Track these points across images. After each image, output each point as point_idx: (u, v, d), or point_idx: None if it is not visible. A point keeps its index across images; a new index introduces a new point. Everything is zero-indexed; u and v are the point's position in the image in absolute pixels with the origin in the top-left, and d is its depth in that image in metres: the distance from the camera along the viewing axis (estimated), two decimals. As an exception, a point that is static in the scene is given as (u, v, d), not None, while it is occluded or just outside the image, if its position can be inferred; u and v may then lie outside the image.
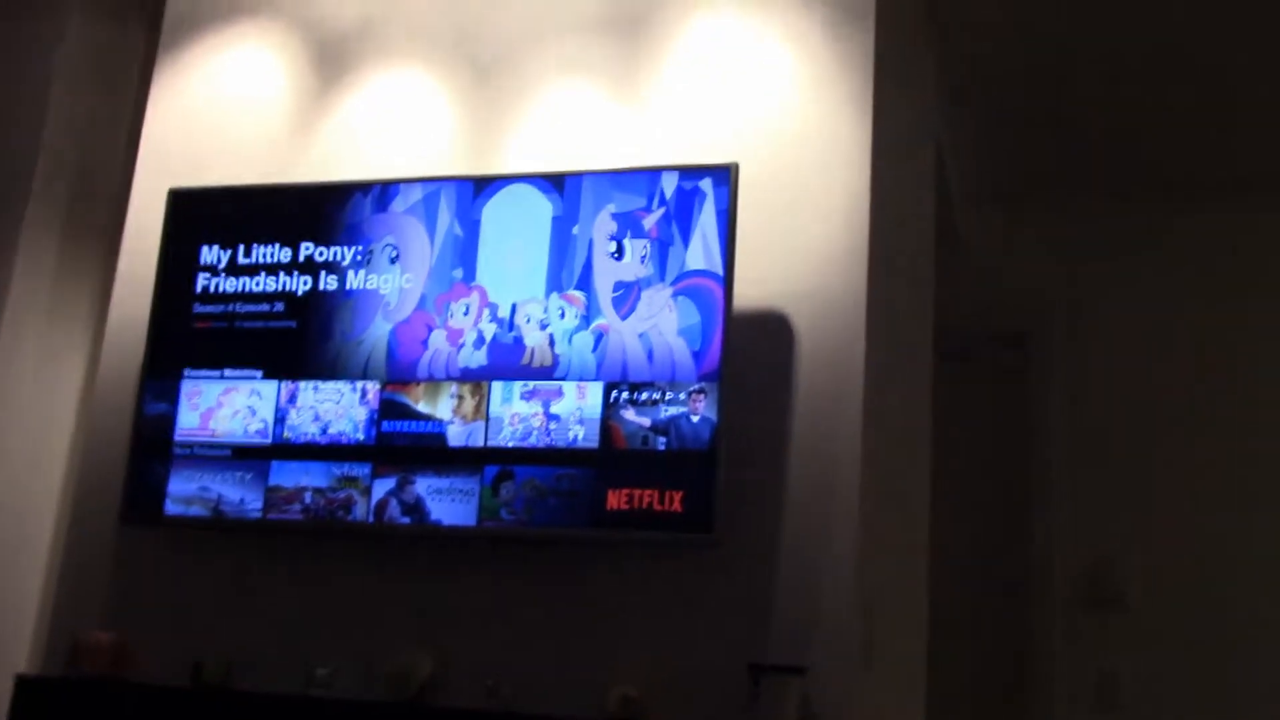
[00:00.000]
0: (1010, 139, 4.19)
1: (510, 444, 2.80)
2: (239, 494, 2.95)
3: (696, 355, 2.73)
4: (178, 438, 3.03)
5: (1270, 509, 4.02)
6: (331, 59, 3.38)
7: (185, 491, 2.99)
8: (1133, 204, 4.37)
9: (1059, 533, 4.14)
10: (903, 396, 2.72)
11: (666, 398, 2.73)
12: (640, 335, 2.78)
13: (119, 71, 3.74)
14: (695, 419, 2.70)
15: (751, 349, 2.82)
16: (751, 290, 2.86)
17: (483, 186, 2.97)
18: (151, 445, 3.04)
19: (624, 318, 2.80)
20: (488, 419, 2.83)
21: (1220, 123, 3.99)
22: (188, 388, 3.05)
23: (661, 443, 2.71)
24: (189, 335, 3.10)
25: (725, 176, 2.80)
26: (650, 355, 2.77)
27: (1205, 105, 3.90)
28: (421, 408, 2.88)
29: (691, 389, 2.72)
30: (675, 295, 2.77)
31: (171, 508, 2.99)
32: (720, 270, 2.75)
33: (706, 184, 2.81)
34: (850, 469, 2.68)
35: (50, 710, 2.85)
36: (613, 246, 2.85)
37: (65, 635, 3.05)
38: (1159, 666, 3.96)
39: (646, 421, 2.73)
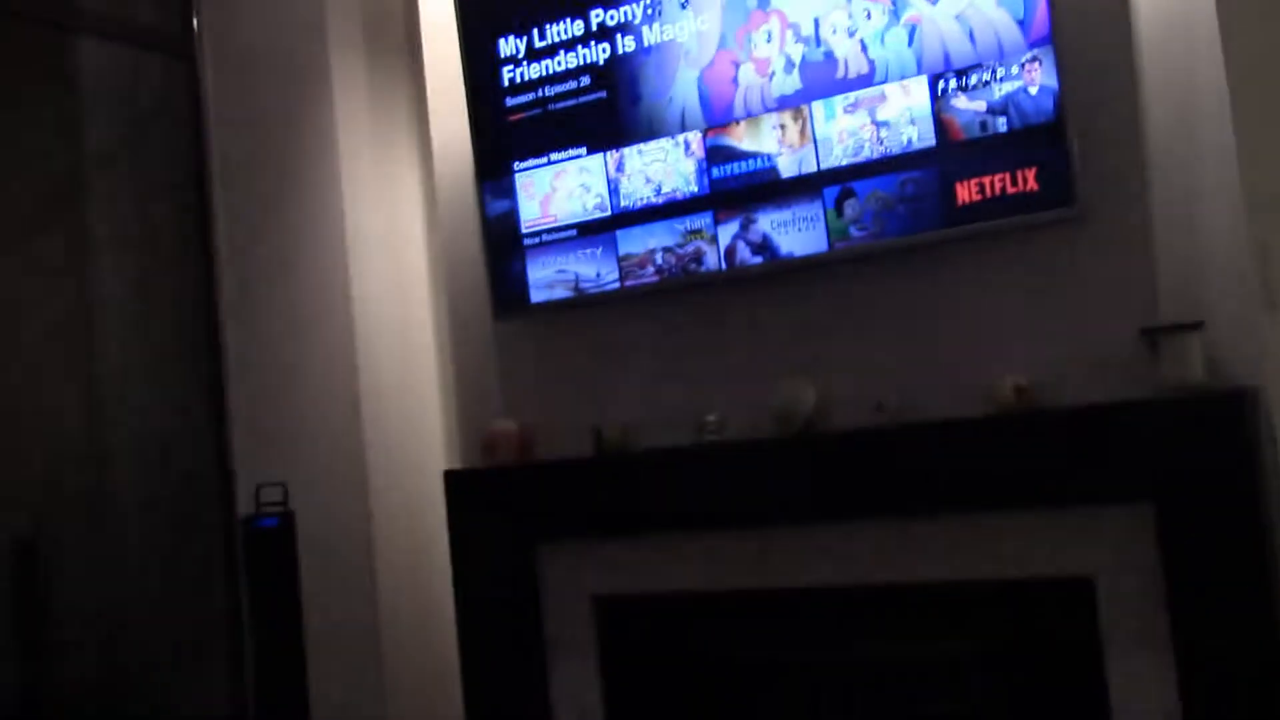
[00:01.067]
0: None
1: (844, 162, 2.73)
2: (594, 269, 3.04)
3: (1022, 24, 2.55)
4: (524, 229, 3.14)
5: None
6: None
7: (544, 278, 3.11)
8: None
9: None
10: (1265, 28, 2.45)
11: (998, 75, 2.57)
12: (957, 17, 2.61)
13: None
14: (1034, 90, 2.54)
15: (1083, 4, 2.60)
16: (1069, -62, 2.62)
17: (757, -97, 2.83)
18: (502, 242, 3.17)
19: (935, 2, 2.64)
20: (815, 142, 2.76)
21: None
22: (521, 180, 3.14)
23: (1002, 123, 2.57)
24: (508, 129, 3.16)
25: None
26: (971, 35, 2.60)
27: None
28: (746, 146, 2.85)
29: (1023, 59, 2.54)
30: (986, -36, 2.57)
31: (536, 295, 3.13)
32: (1031, -76, 2.53)
33: None
34: (1217, 115, 2.46)
35: (478, 496, 3.12)
36: (908, -71, 2.66)
37: (472, 429, 3.30)
38: None
39: (981, 105, 2.59)
